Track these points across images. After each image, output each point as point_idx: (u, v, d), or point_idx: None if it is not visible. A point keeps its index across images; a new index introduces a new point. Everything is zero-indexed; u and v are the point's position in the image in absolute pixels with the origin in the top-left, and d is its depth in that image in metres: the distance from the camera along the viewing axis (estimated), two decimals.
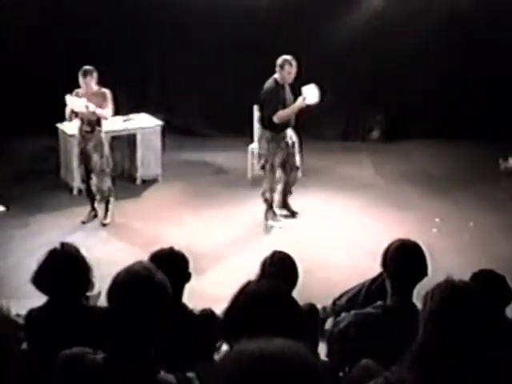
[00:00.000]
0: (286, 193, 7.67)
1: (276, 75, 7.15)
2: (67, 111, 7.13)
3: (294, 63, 7.05)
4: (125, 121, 8.56)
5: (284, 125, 7.22)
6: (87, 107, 6.94)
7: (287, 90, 7.23)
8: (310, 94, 7.08)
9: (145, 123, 8.71)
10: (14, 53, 9.36)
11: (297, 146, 7.49)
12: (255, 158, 8.84)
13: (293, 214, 7.64)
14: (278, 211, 7.59)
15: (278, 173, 7.46)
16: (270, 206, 7.50)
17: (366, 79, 10.06)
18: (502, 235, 7.23)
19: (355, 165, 9.38)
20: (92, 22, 9.50)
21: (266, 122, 7.30)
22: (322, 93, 7.13)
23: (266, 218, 7.49)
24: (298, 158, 7.50)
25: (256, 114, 8.75)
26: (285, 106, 7.13)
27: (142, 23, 9.80)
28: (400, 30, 9.73)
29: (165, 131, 8.85)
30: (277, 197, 7.62)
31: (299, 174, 7.57)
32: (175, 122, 10.05)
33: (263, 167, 7.43)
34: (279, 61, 7.08)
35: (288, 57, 7.08)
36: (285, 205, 7.71)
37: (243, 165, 8.89)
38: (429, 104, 10.15)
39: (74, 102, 7.00)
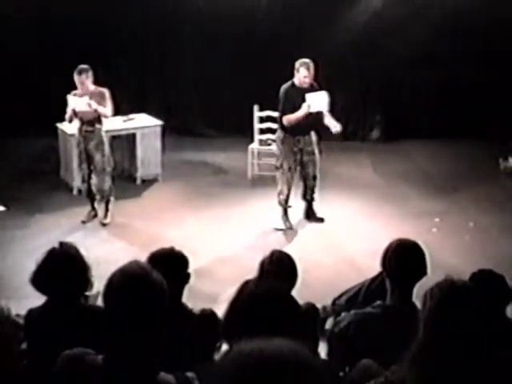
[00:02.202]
0: (306, 201, 7.49)
1: (295, 78, 6.99)
2: (68, 112, 7.13)
3: (311, 66, 6.86)
4: (125, 121, 8.56)
5: (297, 129, 7.05)
6: (90, 105, 6.94)
7: (306, 92, 6.92)
8: (316, 102, 6.89)
9: (145, 123, 8.71)
10: (14, 53, 9.37)
11: (317, 155, 7.30)
12: (255, 158, 8.86)
13: (320, 221, 7.51)
14: (290, 217, 7.43)
15: (293, 177, 7.28)
16: (283, 209, 7.38)
17: (366, 79, 10.07)
18: (502, 235, 7.23)
19: (355, 165, 9.38)
20: (92, 22, 9.51)
21: (280, 123, 7.21)
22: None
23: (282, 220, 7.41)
24: (317, 167, 7.31)
25: (256, 114, 8.78)
26: (298, 109, 6.92)
27: (143, 23, 9.81)
28: (400, 30, 9.73)
29: (165, 131, 8.85)
30: (302, 205, 7.54)
31: (317, 183, 7.38)
32: (175, 122, 10.06)
33: (277, 168, 7.37)
34: (296, 63, 6.89)
35: (306, 60, 6.88)
36: (308, 215, 7.55)
37: (243, 165, 8.89)
38: (429, 104, 10.15)
39: (76, 102, 6.99)
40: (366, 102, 10.30)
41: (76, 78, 7.00)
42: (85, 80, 7.02)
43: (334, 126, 7.15)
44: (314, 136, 7.30)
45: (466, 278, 3.02)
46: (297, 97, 6.94)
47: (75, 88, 7.08)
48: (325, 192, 7.63)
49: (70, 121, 7.25)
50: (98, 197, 7.46)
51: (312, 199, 7.51)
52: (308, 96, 6.89)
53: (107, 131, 7.53)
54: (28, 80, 9.27)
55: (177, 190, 8.47)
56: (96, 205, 7.53)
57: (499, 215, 7.72)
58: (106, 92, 7.18)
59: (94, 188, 7.42)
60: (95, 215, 7.53)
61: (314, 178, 7.37)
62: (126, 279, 2.19)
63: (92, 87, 7.12)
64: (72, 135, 7.83)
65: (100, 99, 7.09)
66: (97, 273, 3.32)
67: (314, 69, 6.92)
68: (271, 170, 8.45)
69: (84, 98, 6.96)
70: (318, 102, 6.93)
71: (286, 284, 3.34)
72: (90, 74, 7.05)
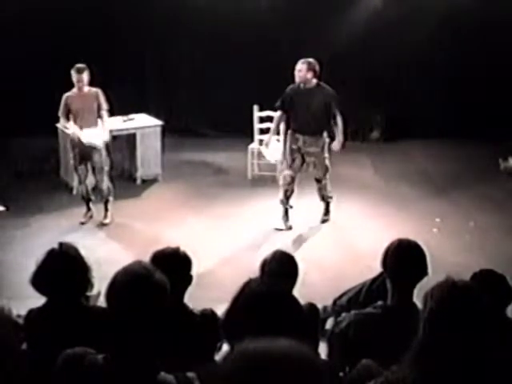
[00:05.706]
0: (323, 200, 7.53)
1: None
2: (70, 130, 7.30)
3: (307, 63, 6.92)
4: (125, 121, 8.56)
5: (296, 127, 7.15)
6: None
7: (308, 91, 7.05)
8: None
9: (145, 123, 8.72)
10: (14, 52, 9.36)
11: (321, 157, 7.24)
12: (255, 158, 8.86)
13: (322, 221, 7.55)
14: (290, 217, 7.44)
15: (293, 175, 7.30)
16: (284, 209, 7.38)
17: (366, 79, 10.06)
18: (502, 235, 7.23)
19: (355, 165, 9.37)
20: (92, 21, 9.51)
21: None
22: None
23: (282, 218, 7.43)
24: (320, 170, 7.29)
25: (256, 114, 8.78)
26: (295, 106, 7.09)
27: (143, 23, 9.81)
28: (400, 30, 9.73)
29: (165, 131, 8.85)
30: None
31: (323, 186, 7.39)
32: (175, 121, 10.05)
33: (278, 166, 7.41)
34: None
35: (308, 59, 6.99)
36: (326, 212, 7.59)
37: (243, 165, 8.89)
38: (429, 104, 10.15)
39: (78, 132, 7.16)
40: (366, 102, 10.29)
41: (75, 76, 7.03)
42: (84, 78, 7.04)
43: (335, 145, 7.26)
44: (320, 138, 7.22)
45: (466, 278, 3.01)
46: (295, 93, 7.06)
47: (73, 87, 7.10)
48: None
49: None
50: (93, 197, 7.48)
51: (323, 199, 7.51)
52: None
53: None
54: (28, 80, 9.26)
55: (177, 190, 8.47)
56: (91, 205, 7.54)
57: (499, 215, 7.72)
58: (100, 91, 7.23)
59: (89, 188, 7.44)
60: (91, 216, 7.53)
61: (317, 180, 7.36)
62: (129, 279, 2.20)
63: (86, 88, 7.14)
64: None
65: (94, 99, 7.17)
66: (97, 273, 3.31)
67: (319, 68, 7.00)
68: (271, 170, 8.46)
69: (89, 131, 7.14)
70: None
71: (288, 284, 3.34)
72: (88, 72, 7.07)
